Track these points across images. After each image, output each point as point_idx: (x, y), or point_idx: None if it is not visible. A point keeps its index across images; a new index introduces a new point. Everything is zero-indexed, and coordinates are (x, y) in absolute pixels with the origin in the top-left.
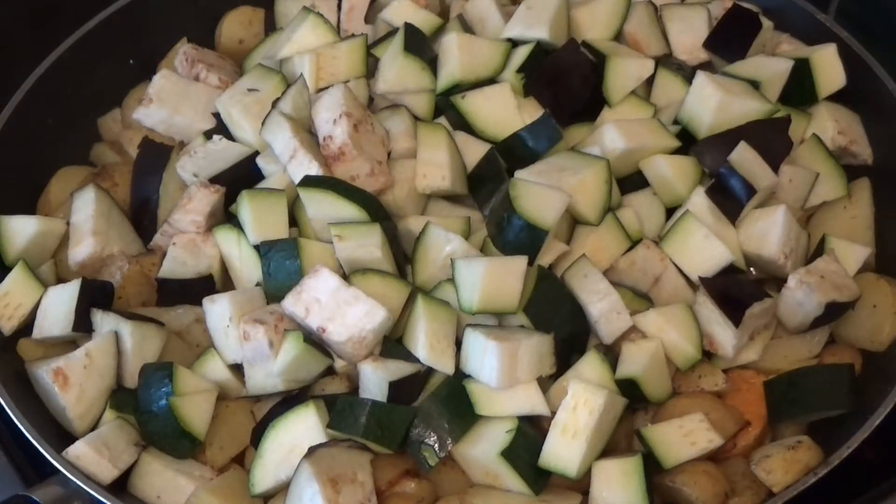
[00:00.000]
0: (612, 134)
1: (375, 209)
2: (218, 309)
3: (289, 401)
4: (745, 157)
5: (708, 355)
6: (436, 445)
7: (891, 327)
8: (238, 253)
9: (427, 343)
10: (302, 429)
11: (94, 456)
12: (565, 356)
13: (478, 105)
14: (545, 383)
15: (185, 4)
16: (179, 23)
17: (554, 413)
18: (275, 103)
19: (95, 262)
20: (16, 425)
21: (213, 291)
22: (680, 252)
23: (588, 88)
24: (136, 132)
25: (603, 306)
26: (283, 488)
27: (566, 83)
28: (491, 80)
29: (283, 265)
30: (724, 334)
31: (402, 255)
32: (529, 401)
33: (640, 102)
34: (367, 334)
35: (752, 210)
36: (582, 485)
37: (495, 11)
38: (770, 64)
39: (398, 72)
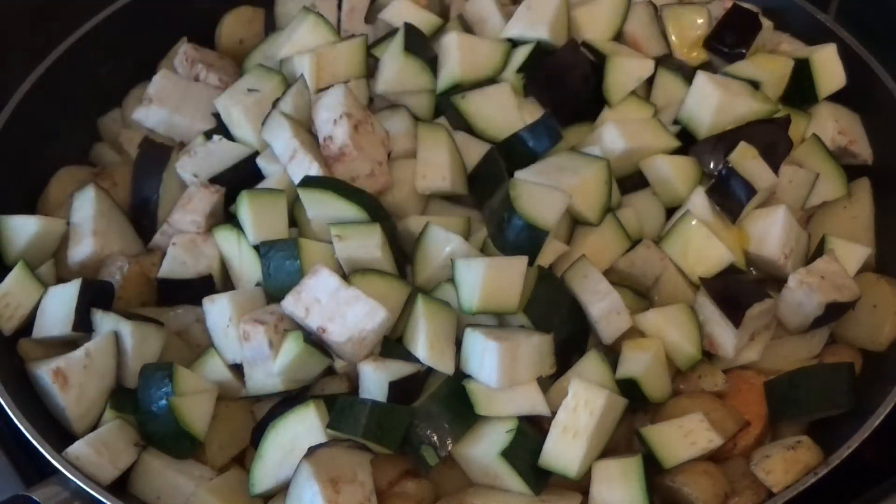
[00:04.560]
0: (612, 134)
1: (375, 209)
2: (218, 309)
3: (289, 401)
4: (745, 157)
5: (708, 355)
6: (436, 445)
7: (891, 327)
8: (238, 253)
9: (427, 343)
10: (302, 429)
11: (93, 456)
12: (565, 356)
13: (478, 105)
14: (545, 383)
15: (185, 4)
16: (179, 23)
17: (554, 413)
18: (275, 103)
19: (95, 262)
20: (16, 425)
21: (213, 291)
22: (680, 252)
23: (588, 88)
24: (136, 132)
25: (603, 306)
26: (283, 488)
27: (566, 83)
28: (491, 80)
29: (283, 265)
30: (724, 335)
31: (402, 255)
32: (529, 401)
33: (640, 102)
34: (367, 334)
35: (752, 210)
36: (582, 485)
37: (495, 11)
38: (770, 64)
39: (398, 72)
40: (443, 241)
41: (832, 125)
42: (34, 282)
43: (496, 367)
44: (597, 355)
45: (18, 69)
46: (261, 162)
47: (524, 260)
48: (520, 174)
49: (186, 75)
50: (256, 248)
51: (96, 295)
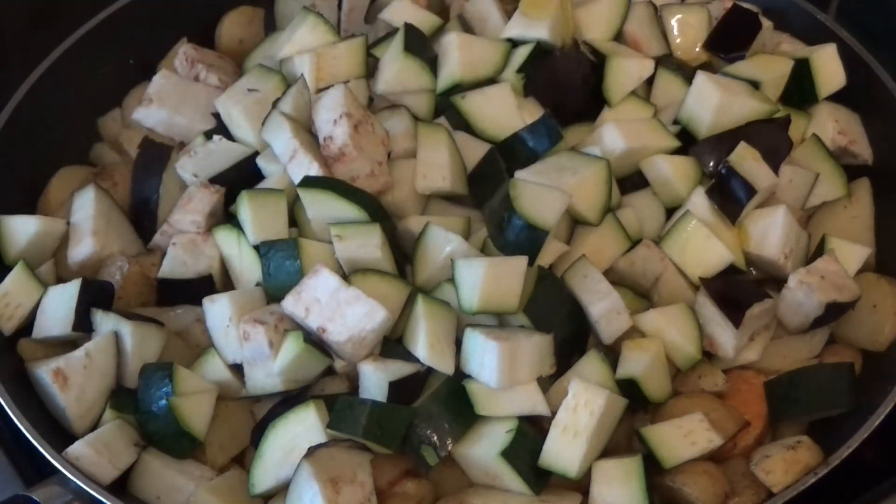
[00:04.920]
0: (612, 134)
1: (375, 209)
2: (218, 309)
3: (289, 401)
4: (745, 157)
5: (708, 355)
6: (436, 445)
7: (891, 327)
8: (238, 253)
9: (427, 343)
10: (302, 429)
11: (93, 456)
12: (565, 356)
13: (478, 105)
14: (545, 383)
15: (185, 4)
16: (179, 23)
17: (554, 413)
18: (275, 103)
19: (95, 262)
20: (16, 425)
21: (213, 291)
22: (680, 252)
23: (588, 88)
24: (136, 132)
25: (603, 306)
26: (283, 488)
27: (566, 83)
28: (491, 80)
29: (283, 265)
30: (724, 335)
31: (402, 255)
32: (529, 401)
33: (640, 102)
34: (367, 334)
35: (752, 210)
36: (582, 485)
37: (495, 11)
38: (770, 64)
39: (398, 72)
40: (443, 241)
41: (832, 125)
42: (34, 282)
43: (496, 367)
44: (597, 355)
45: (18, 69)
46: (261, 162)
47: (524, 260)
48: (520, 174)
49: (186, 75)
50: (256, 248)
51: (96, 295)
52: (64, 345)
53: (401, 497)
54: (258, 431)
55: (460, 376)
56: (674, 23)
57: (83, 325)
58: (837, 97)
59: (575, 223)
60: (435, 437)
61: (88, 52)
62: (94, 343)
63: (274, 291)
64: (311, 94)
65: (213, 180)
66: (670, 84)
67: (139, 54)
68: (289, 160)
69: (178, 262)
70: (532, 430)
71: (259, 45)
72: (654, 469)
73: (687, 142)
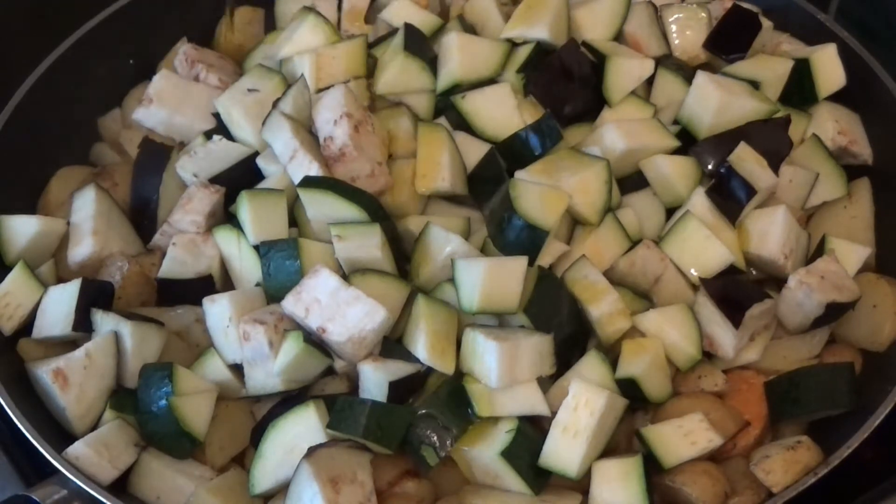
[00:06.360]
0: (612, 134)
1: (375, 209)
2: (218, 309)
3: (289, 401)
4: (745, 157)
5: (708, 355)
6: (436, 445)
7: (891, 327)
8: (238, 253)
9: (427, 343)
10: (302, 429)
11: (93, 456)
12: (565, 356)
13: (478, 105)
14: (545, 383)
15: (185, 4)
16: (179, 23)
17: (554, 413)
18: (275, 103)
19: (95, 262)
20: (16, 425)
21: (213, 291)
22: (680, 252)
23: (588, 88)
24: (136, 132)
25: (603, 306)
26: (283, 488)
27: (566, 83)
28: (491, 80)
29: (283, 265)
30: (724, 335)
31: (402, 255)
32: (529, 401)
33: (640, 102)
34: (367, 334)
35: (752, 210)
36: (582, 485)
37: (495, 11)
38: (770, 64)
39: (398, 72)
40: (443, 241)
41: (832, 125)
42: (34, 282)
43: (496, 367)
44: (597, 355)
45: (18, 69)
46: (261, 162)
47: (524, 260)
48: (520, 174)
49: (186, 75)
50: (256, 248)
51: (96, 295)
52: (64, 345)
53: (401, 497)
54: (258, 431)
55: (460, 376)
56: (674, 23)
57: (83, 325)
58: (837, 97)
59: (575, 223)
60: (435, 437)
61: (88, 52)
62: (94, 343)
63: (274, 291)
64: (311, 94)
65: (213, 180)
66: (670, 84)
67: (139, 54)
68: (289, 160)
69: (178, 262)
70: (532, 430)
71: (259, 45)
72: (654, 469)
73: (687, 142)
